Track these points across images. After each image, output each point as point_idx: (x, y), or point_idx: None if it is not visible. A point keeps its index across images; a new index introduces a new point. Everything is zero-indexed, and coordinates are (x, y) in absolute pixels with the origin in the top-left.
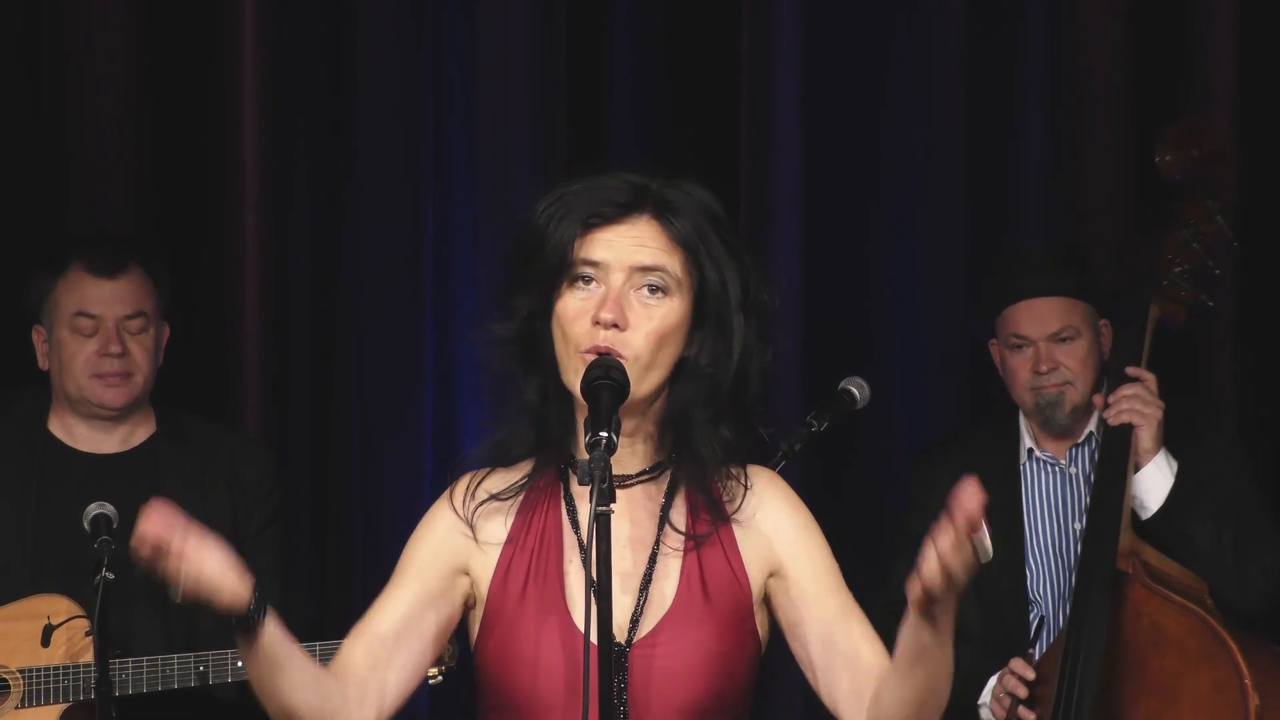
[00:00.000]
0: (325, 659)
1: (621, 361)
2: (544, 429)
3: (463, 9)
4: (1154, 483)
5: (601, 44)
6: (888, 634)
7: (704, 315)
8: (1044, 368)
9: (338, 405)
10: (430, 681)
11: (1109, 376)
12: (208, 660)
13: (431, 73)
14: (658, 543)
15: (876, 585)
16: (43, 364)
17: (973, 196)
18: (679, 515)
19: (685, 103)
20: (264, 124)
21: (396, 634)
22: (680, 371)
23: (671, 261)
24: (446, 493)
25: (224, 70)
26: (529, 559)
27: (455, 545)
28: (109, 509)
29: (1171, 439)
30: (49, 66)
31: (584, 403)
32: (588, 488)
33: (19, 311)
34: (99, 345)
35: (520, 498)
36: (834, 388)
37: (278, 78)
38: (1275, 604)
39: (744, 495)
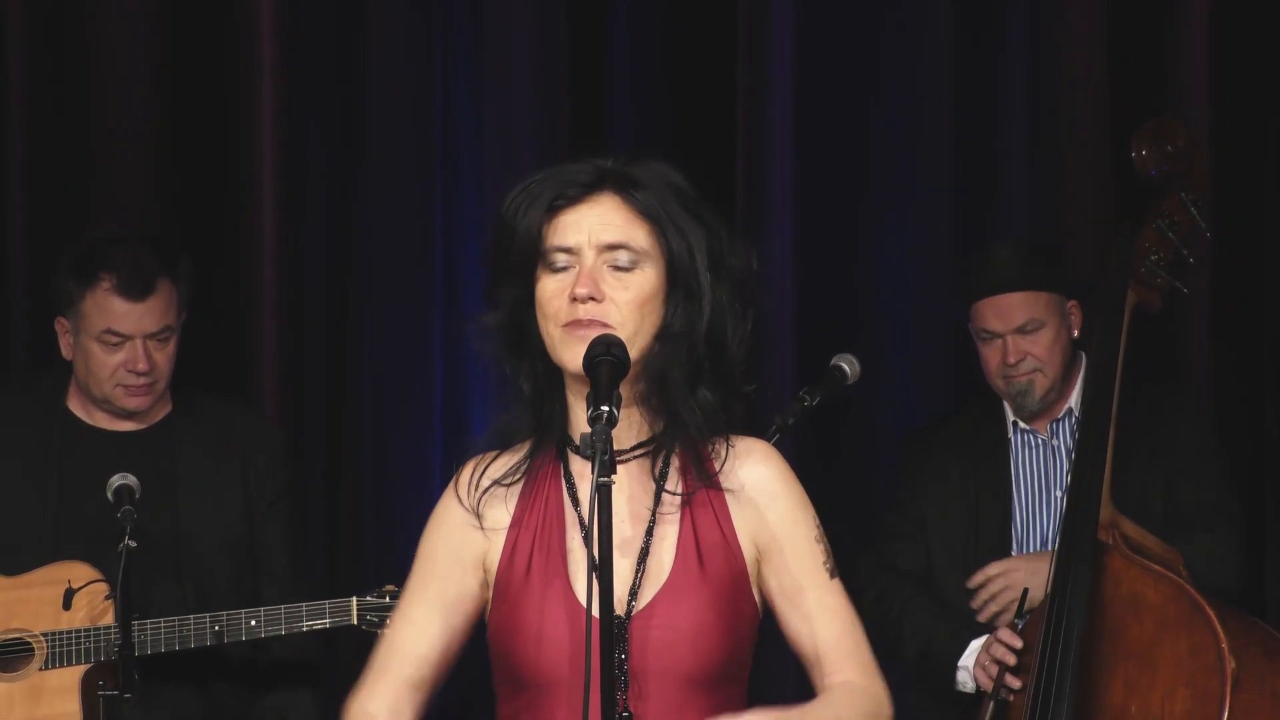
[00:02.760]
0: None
1: (608, 332)
2: (539, 412)
3: (469, 6)
4: None
5: (602, 39)
6: (876, 589)
7: (676, 282)
8: (1012, 359)
9: (351, 384)
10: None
11: (1088, 356)
12: (223, 620)
13: (439, 67)
14: (654, 516)
15: (865, 546)
16: (66, 354)
17: (958, 185)
18: (672, 480)
19: (684, 95)
20: (279, 117)
21: (427, 651)
22: (660, 339)
23: (637, 234)
24: (451, 483)
25: (241, 64)
26: (533, 537)
27: (467, 538)
28: (131, 480)
29: (1147, 426)
30: (73, 61)
31: (576, 381)
32: (586, 465)
33: (43, 298)
34: (126, 360)
35: (522, 481)
36: (826, 364)
37: (292, 72)
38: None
39: (727, 456)
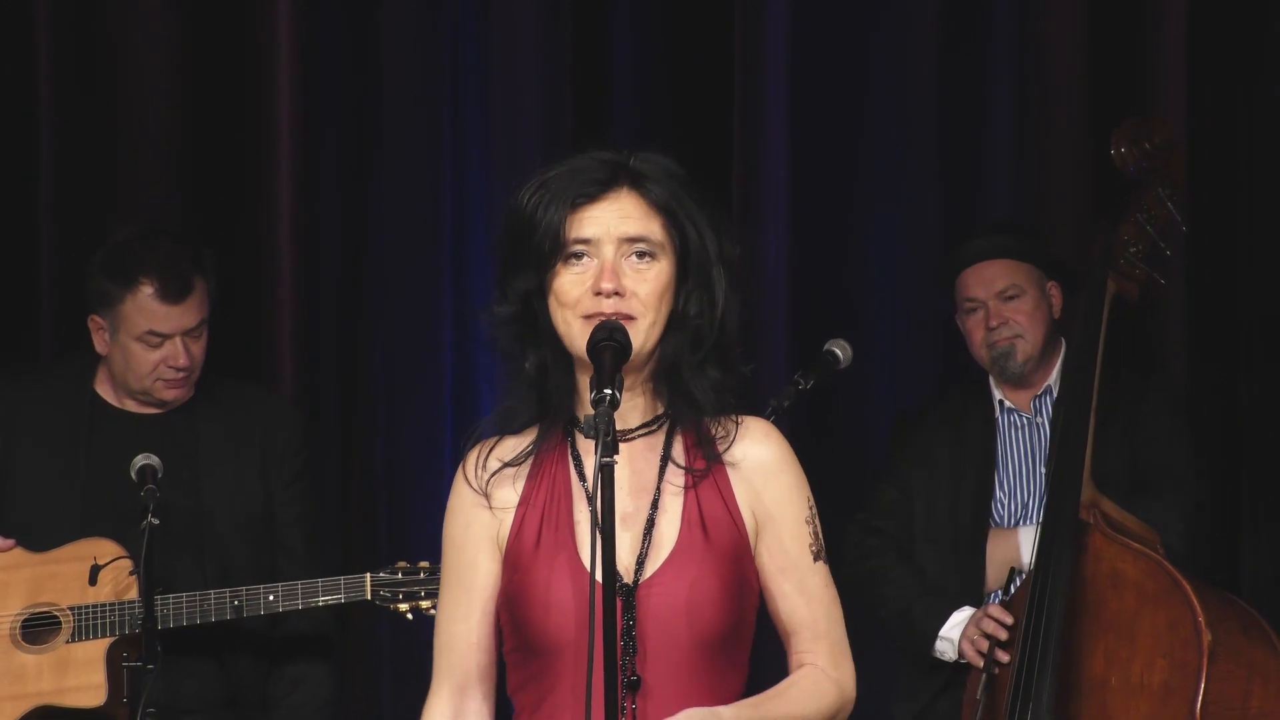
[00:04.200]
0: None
1: (630, 323)
2: (546, 397)
3: (477, 1)
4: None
5: (604, 32)
6: (861, 551)
7: (687, 271)
8: (994, 323)
9: (363, 368)
10: (409, 617)
11: (1067, 340)
12: (242, 595)
13: (449, 59)
14: (659, 489)
15: (854, 513)
16: (102, 350)
17: (945, 178)
18: (678, 457)
19: (682, 88)
20: (296, 107)
21: (476, 640)
22: (670, 325)
23: (653, 227)
24: (460, 468)
25: (260, 58)
26: (541, 512)
27: (479, 518)
28: (154, 460)
29: (1124, 410)
30: (99, 57)
31: (587, 365)
32: (592, 442)
33: (71, 287)
34: (167, 356)
35: (529, 462)
36: (819, 349)
37: (309, 64)
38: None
39: (735, 433)
